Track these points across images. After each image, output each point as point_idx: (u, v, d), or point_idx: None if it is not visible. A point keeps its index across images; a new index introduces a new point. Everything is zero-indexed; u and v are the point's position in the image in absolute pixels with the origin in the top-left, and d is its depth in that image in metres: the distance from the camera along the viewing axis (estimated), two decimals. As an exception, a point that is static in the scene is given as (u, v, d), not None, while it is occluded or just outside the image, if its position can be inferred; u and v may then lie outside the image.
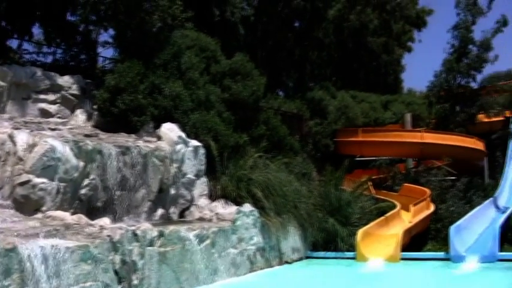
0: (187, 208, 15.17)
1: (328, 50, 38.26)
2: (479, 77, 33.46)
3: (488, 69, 32.80)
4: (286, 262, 15.73)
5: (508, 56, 41.07)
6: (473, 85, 33.79)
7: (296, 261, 16.21)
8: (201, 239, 12.08)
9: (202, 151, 15.83)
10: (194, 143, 15.68)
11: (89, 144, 12.33)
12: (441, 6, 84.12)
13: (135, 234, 10.27)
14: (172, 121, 15.96)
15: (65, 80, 16.61)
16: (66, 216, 10.76)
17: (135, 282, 9.90)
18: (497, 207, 24.87)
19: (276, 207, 15.56)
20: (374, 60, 40.35)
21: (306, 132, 26.80)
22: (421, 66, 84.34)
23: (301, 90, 29.37)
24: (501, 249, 17.33)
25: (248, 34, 27.09)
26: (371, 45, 39.91)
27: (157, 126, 15.62)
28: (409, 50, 45.16)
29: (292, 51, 30.15)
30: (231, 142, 17.62)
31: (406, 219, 20.67)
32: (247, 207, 14.53)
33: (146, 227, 10.85)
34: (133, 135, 15.10)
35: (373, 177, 27.87)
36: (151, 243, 10.57)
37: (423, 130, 29.93)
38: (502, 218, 21.76)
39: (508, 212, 23.11)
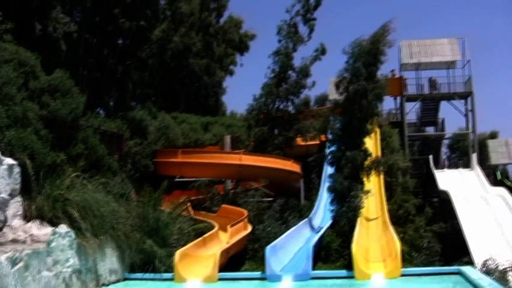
0: (0, 229, 14.68)
1: (150, 70, 38.56)
2: (297, 102, 34.94)
3: (306, 95, 34.63)
4: (104, 284, 15.63)
5: (324, 82, 43.63)
6: (291, 109, 35.24)
7: (114, 283, 16.14)
8: (13, 262, 11.76)
9: (17, 169, 15.36)
10: (9, 161, 15.18)
11: None
12: (264, 32, 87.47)
13: None
14: (-14, 138, 15.40)
15: None
16: None
17: None
18: (312, 227, 26.34)
19: (93, 228, 15.40)
20: (196, 81, 41.11)
21: (126, 152, 26.74)
22: (243, 89, 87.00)
23: (122, 110, 29.26)
24: (314, 268, 18.35)
25: (70, 50, 26.63)
26: (193, 67, 40.65)
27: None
28: (231, 73, 46.56)
29: (114, 70, 30.00)
30: (47, 161, 17.26)
31: (223, 239, 21.27)
32: (63, 228, 14.31)
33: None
34: None
35: (192, 198, 28.34)
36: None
37: (242, 152, 30.95)
38: (316, 237, 23.12)
39: (322, 231, 24.61)
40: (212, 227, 21.49)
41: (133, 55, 31.37)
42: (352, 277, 16.20)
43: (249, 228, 23.86)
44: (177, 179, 30.52)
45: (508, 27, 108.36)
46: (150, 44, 35.64)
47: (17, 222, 14.86)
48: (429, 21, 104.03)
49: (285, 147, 33.91)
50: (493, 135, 47.80)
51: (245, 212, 24.87)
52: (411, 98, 40.85)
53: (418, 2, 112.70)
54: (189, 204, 24.73)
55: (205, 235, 19.95)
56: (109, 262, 16.13)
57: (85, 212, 15.45)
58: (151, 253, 17.36)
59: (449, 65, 41.15)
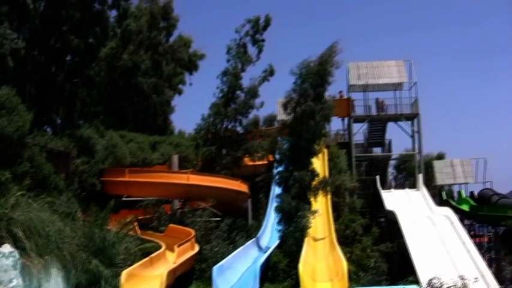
0: None
1: (99, 88, 38.40)
2: (245, 122, 35.36)
3: (254, 115, 34.98)
4: (48, 305, 15.56)
5: (273, 102, 44.10)
6: (240, 129, 35.57)
7: (58, 303, 16.07)
8: (-45, 281, 11.72)
9: (-41, 188, 15.30)
10: (-50, 179, 15.12)
11: None
12: (214, 51, 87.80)
13: None
14: None
15: None
16: None
17: None
18: (259, 247, 26.60)
19: (37, 248, 15.34)
20: (144, 100, 40.99)
21: (73, 170, 26.57)
22: (192, 109, 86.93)
23: (70, 128, 29.11)
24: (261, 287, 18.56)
25: (17, 67, 26.43)
26: (142, 85, 40.56)
27: None
28: (180, 92, 46.56)
29: (62, 87, 29.78)
30: (-9, 179, 17.16)
31: (170, 259, 21.33)
32: (6, 248, 14.24)
33: None
34: None
35: (139, 217, 28.29)
36: None
37: (190, 172, 31.08)
38: (263, 257, 23.37)
39: (269, 251, 24.88)
40: (159, 247, 21.53)
41: (82, 72, 31.26)
42: (299, 297, 16.47)
43: (196, 248, 23.96)
44: (124, 198, 30.42)
45: (454, 50, 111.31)
46: (99, 61, 35.55)
47: (-41, 241, 14.72)
48: (378, 43, 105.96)
49: (233, 167, 34.16)
50: (440, 157, 48.68)
51: (192, 232, 24.97)
52: (359, 119, 41.47)
53: (368, 23, 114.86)
54: (136, 223, 24.71)
55: (152, 255, 19.98)
56: (54, 283, 16.02)
57: (30, 231, 15.37)
58: (97, 273, 17.29)
59: (397, 86, 41.90)
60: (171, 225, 27.07)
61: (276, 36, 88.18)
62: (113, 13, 36.19)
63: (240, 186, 31.99)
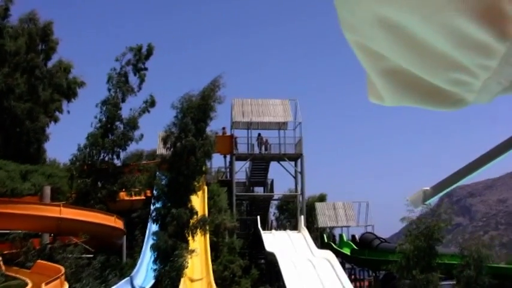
0: None
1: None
2: (123, 155, 35.52)
3: (133, 148, 34.91)
4: None
5: (152, 135, 44.29)
6: (117, 162, 35.63)
7: None
8: None
9: None
10: None
11: None
12: (95, 80, 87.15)
13: None
14: None
15: None
16: None
17: None
18: (133, 286, 26.54)
19: None
20: (17, 126, 40.18)
21: None
22: (69, 138, 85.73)
23: None
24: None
25: None
26: (15, 110, 39.77)
27: None
28: (56, 119, 45.84)
29: None
30: None
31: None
32: None
33: None
34: None
35: (5, 252, 27.58)
36: None
37: (62, 204, 30.55)
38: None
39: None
40: (25, 285, 21.14)
41: None
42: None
43: (66, 287, 23.64)
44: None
45: (334, 92, 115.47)
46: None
47: None
48: (263, 82, 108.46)
49: (109, 201, 33.96)
50: (322, 198, 50.11)
51: (62, 269, 24.59)
52: (241, 157, 42.16)
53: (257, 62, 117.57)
54: (0, 258, 24.10)
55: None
56: None
57: None
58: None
59: (281, 125, 43.03)
60: (39, 261, 26.51)
61: (162, 65, 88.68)
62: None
63: (115, 222, 31.73)
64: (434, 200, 1.52)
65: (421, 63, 1.07)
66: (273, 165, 44.18)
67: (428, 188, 1.45)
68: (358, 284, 40.93)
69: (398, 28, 1.02)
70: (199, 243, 30.63)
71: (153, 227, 30.48)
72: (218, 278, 28.33)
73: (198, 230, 28.37)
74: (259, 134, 42.62)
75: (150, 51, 36.41)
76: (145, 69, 36.55)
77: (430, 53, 1.04)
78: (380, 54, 1.10)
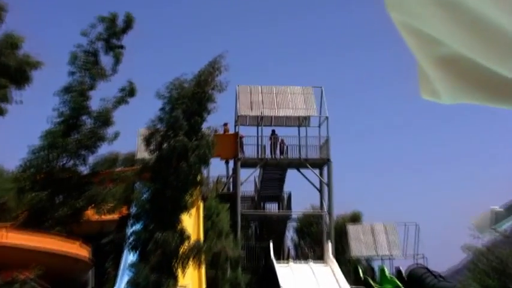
0: None
1: None
2: (91, 159, 34.96)
3: (105, 150, 34.24)
4: None
5: (131, 134, 43.62)
6: (83, 169, 35.15)
7: None
8: None
9: None
10: None
11: None
12: (59, 60, 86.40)
13: None
14: None
15: None
16: None
17: None
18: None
19: None
20: None
21: None
22: (19, 137, 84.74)
23: None
24: None
25: None
26: None
27: None
28: (2, 112, 45.29)
29: None
30: None
31: None
32: None
33: None
34: None
35: None
36: None
37: (7, 226, 30.03)
38: None
39: None
40: None
41: None
42: None
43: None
44: None
45: (373, 78, 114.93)
46: None
47: None
48: (279, 62, 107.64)
49: (71, 222, 33.46)
50: (356, 218, 49.44)
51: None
52: (249, 163, 41.62)
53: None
54: None
55: None
56: None
57: None
58: None
59: (302, 121, 42.43)
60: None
61: (148, 48, 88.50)
62: None
63: (79, 250, 31.30)
64: (508, 224, 1.01)
65: (487, 48, 1.04)
66: (291, 173, 43.65)
67: (498, 208, 1.00)
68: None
69: (459, 5, 1.01)
70: (191, 279, 30.23)
71: (129, 257, 30.02)
72: (218, 326, 27.85)
73: (191, 260, 27.86)
74: (272, 132, 41.91)
75: (128, 24, 35.66)
76: (121, 46, 35.81)
77: (499, 36, 1.01)
78: (435, 38, 1.10)
